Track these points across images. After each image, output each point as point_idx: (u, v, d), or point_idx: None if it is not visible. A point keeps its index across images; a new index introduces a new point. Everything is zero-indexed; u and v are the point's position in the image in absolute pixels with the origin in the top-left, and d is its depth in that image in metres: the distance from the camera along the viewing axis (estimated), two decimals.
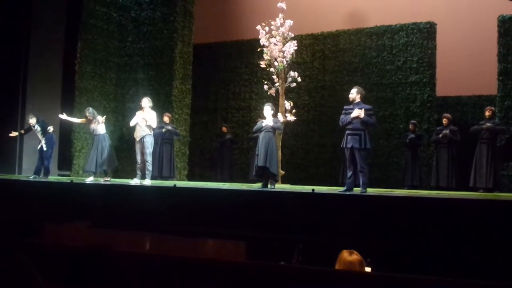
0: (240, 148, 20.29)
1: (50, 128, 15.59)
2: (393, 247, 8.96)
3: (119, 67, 19.11)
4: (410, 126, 16.51)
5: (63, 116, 15.39)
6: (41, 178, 15.20)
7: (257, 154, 12.60)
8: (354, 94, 11.44)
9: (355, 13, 19.73)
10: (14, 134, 16.21)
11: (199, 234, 9.98)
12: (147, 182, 13.67)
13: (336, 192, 11.51)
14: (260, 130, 12.72)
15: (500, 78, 16.18)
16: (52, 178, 15.73)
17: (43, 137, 15.49)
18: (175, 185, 12.84)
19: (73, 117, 16.19)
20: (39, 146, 15.59)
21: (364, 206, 10.11)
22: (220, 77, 21.31)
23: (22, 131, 16.08)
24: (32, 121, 15.50)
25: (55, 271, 4.69)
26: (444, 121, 15.68)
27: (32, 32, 18.39)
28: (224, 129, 19.50)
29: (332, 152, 18.50)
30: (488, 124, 14.29)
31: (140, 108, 14.01)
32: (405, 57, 17.92)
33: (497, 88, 16.26)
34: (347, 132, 11.35)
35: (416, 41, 17.81)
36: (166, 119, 16.63)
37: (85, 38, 18.08)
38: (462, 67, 17.77)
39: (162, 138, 16.44)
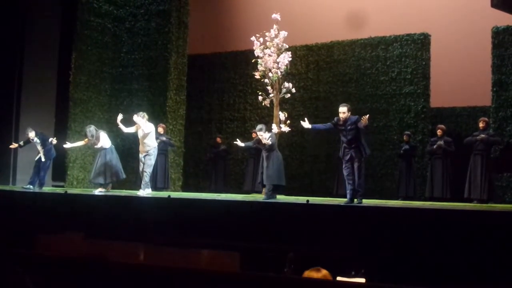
0: (234, 159, 20.28)
1: (53, 140, 15.51)
2: (386, 257, 8.95)
3: (113, 78, 19.09)
4: (404, 137, 16.52)
5: (67, 145, 15.41)
6: (35, 189, 15.13)
7: (261, 172, 12.99)
8: (346, 112, 11.45)
9: (350, 24, 19.75)
10: (14, 145, 16.17)
11: (193, 245, 9.96)
12: (141, 192, 13.65)
13: (330, 203, 11.54)
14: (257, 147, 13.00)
15: (494, 89, 16.22)
16: (46, 188, 15.68)
17: (43, 148, 15.44)
18: (169, 196, 12.81)
19: (67, 126, 16.27)
20: (37, 157, 15.56)
21: (358, 217, 10.10)
22: (215, 88, 21.33)
23: (21, 143, 15.98)
24: (31, 134, 15.39)
25: (48, 281, 4.68)
26: (439, 132, 15.69)
27: (27, 43, 18.38)
28: (218, 140, 19.49)
29: (327, 163, 18.51)
30: (482, 135, 14.29)
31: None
32: (399, 68, 17.96)
33: (491, 99, 16.30)
34: (343, 145, 11.46)
35: (411, 52, 17.85)
36: (160, 130, 16.59)
37: (79, 49, 18.07)
38: (456, 78, 17.80)
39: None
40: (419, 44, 17.78)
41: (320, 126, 12.18)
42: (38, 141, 15.44)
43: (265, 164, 12.73)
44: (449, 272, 8.46)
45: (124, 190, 14.72)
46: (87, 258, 4.29)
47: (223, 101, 21.10)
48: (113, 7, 19.13)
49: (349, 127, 11.34)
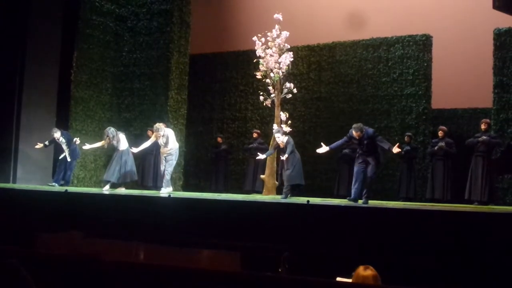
0: (235, 159, 20.26)
1: (77, 140, 15.80)
2: (387, 258, 8.94)
3: (115, 77, 19.08)
4: (406, 138, 16.51)
5: (87, 147, 15.63)
6: (60, 187, 15.28)
7: (280, 174, 13.83)
8: (360, 133, 11.76)
9: (352, 25, 19.74)
10: (39, 145, 16.20)
11: (194, 245, 9.95)
12: (163, 191, 14.19)
13: (330, 203, 11.57)
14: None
15: (496, 91, 16.20)
16: (47, 187, 15.69)
17: (68, 148, 15.68)
18: (169, 195, 12.81)
19: (68, 125, 16.46)
20: (62, 156, 15.96)
21: (359, 218, 10.09)
22: (216, 88, 21.32)
23: (47, 143, 16.10)
24: (57, 134, 15.71)
25: (48, 280, 4.67)
26: (440, 133, 15.69)
27: (28, 41, 18.32)
28: (219, 139, 19.47)
29: (328, 164, 18.48)
30: (484, 137, 14.30)
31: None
32: (401, 69, 17.94)
33: (493, 101, 16.27)
34: (359, 152, 11.97)
35: (412, 54, 17.83)
36: None
37: (81, 47, 18.06)
38: (458, 79, 17.80)
39: (157, 149, 16.43)
40: (420, 45, 17.77)
41: (337, 143, 12.46)
42: (63, 140, 15.75)
43: (285, 166, 13.32)
44: (450, 273, 8.46)
45: (124, 190, 14.70)
46: (87, 257, 4.28)
47: (224, 101, 21.10)
48: (115, 6, 19.13)
49: (365, 142, 11.69)
